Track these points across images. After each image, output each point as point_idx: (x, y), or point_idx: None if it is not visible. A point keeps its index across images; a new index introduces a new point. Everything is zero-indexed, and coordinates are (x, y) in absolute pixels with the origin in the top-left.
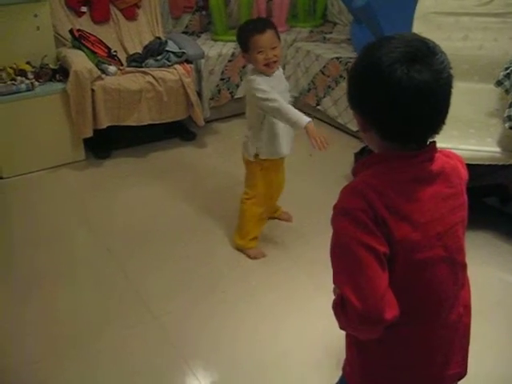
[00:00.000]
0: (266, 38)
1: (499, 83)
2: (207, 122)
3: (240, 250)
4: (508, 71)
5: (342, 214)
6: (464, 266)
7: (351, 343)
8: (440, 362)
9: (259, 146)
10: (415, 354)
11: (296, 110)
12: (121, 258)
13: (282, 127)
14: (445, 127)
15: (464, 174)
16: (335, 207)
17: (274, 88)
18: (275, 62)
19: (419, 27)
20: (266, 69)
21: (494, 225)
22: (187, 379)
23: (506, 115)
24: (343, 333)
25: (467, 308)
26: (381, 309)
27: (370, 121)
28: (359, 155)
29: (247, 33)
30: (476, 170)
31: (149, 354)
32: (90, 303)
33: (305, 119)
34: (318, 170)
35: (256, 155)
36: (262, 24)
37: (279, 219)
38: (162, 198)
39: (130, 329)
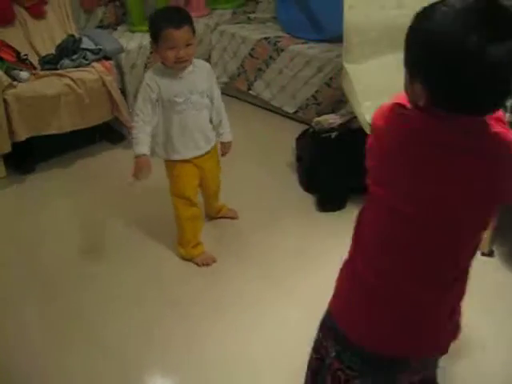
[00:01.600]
0: (181, 34)
1: None
2: None
3: (187, 259)
4: None
5: None
6: None
7: None
8: None
9: (154, 145)
10: None
11: (143, 138)
12: (57, 280)
13: (178, 127)
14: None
15: None
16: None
17: (171, 90)
18: (186, 60)
19: None
20: (176, 66)
21: None
22: None
23: None
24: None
25: None
26: None
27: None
28: (301, 139)
29: (161, 24)
30: None
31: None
32: (28, 325)
33: (138, 150)
34: (257, 159)
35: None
36: (179, 17)
37: (225, 218)
38: (96, 209)
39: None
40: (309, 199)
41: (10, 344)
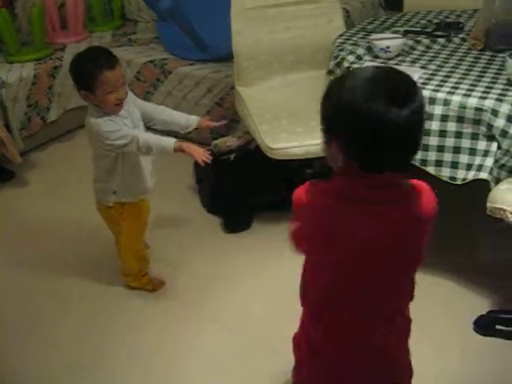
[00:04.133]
0: (117, 74)
1: (331, 72)
2: (22, 154)
3: (135, 288)
4: (338, 60)
5: None
6: None
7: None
8: None
9: (118, 188)
10: None
11: (155, 136)
12: None
13: (134, 166)
14: (288, 124)
15: None
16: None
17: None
18: (123, 100)
19: (238, 24)
20: (116, 108)
21: None
22: None
23: None
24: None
25: None
26: None
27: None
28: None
29: (92, 69)
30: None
31: None
32: None
33: (170, 141)
34: (156, 184)
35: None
36: (108, 57)
37: None
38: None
39: None
40: (214, 221)
41: None
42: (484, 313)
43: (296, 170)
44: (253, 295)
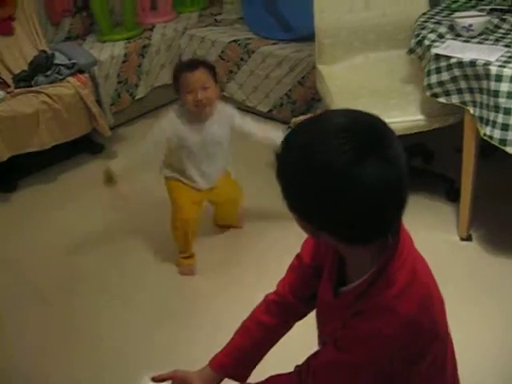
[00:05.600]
0: (197, 76)
1: (412, 51)
2: (111, 128)
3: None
4: (419, 38)
5: None
6: None
7: None
8: None
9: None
10: None
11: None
12: (55, 298)
13: (191, 164)
14: (367, 102)
15: None
16: None
17: (191, 135)
18: (206, 104)
19: (320, 2)
20: (196, 110)
21: (428, 186)
22: None
23: (425, 84)
24: None
25: None
26: None
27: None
28: None
29: (178, 70)
30: None
31: None
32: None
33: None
34: (240, 162)
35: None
36: (195, 61)
37: (230, 227)
38: (86, 221)
39: None
40: None
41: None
42: None
43: None
44: None
